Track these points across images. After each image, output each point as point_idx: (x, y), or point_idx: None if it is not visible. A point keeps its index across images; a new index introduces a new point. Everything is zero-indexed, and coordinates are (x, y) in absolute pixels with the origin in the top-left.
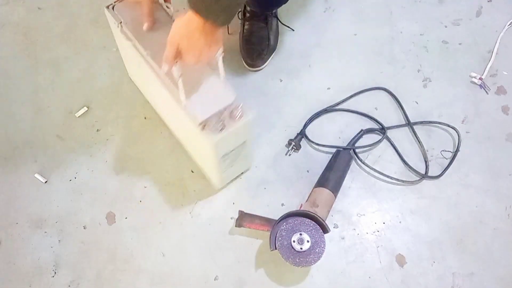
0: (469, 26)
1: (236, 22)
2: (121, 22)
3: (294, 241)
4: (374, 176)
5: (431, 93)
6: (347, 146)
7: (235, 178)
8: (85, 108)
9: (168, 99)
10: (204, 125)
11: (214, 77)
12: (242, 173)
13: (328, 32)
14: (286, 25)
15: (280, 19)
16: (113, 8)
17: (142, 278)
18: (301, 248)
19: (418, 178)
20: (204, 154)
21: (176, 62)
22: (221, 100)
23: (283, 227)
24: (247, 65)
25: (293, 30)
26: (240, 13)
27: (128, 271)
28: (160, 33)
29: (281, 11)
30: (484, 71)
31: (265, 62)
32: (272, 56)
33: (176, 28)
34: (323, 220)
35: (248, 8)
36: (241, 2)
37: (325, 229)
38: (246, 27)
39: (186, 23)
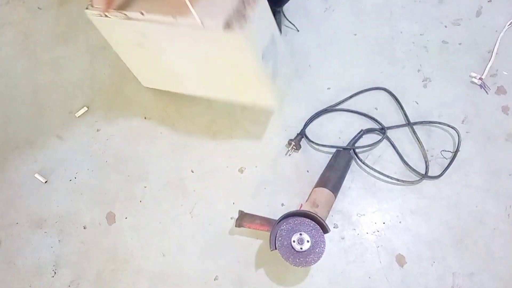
0: (469, 26)
1: None
2: (105, 11)
3: (294, 241)
4: (374, 176)
5: (431, 93)
6: (347, 146)
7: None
8: (85, 108)
9: (179, 35)
10: (228, 24)
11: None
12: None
13: (328, 32)
14: (291, 23)
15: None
16: (92, 5)
17: (142, 278)
18: (301, 248)
19: (418, 178)
20: (244, 68)
21: None
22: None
23: (283, 227)
24: None
25: (298, 30)
26: None
27: (128, 271)
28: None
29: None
30: (484, 71)
31: None
32: None
33: None
34: (323, 220)
35: None
36: None
37: (325, 229)
38: None
39: None
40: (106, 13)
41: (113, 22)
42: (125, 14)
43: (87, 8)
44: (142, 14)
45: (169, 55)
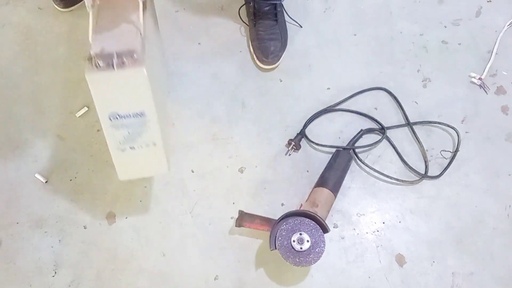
0: (468, 26)
1: (235, 27)
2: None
3: (294, 241)
4: (374, 176)
5: (431, 93)
6: (347, 146)
7: (145, 179)
8: (86, 108)
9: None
10: (91, 57)
11: (134, 23)
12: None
13: (328, 32)
14: (294, 20)
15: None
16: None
17: (142, 278)
18: (301, 248)
19: (418, 178)
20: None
21: None
22: (124, 44)
23: (283, 227)
24: (262, 63)
25: (301, 26)
26: (249, 14)
27: (128, 271)
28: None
29: None
30: (484, 71)
31: (280, 58)
32: (284, 52)
33: None
34: (323, 220)
35: (256, 7)
36: None
37: (325, 229)
38: (257, 26)
39: None
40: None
41: None
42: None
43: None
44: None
45: None
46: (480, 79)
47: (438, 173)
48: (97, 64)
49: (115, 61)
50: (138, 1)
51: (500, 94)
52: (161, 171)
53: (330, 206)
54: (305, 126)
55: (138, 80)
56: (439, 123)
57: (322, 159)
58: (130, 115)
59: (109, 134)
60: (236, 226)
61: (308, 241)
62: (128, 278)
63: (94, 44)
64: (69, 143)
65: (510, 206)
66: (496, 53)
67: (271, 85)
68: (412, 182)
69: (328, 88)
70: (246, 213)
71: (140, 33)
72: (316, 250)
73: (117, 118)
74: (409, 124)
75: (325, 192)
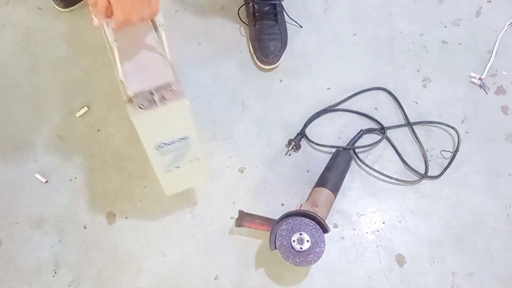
0: (468, 26)
1: (235, 27)
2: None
3: (294, 241)
4: (374, 176)
5: (431, 93)
6: (347, 146)
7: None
8: (85, 108)
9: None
10: (131, 99)
11: (158, 53)
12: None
13: (328, 32)
14: (294, 20)
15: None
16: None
17: (142, 278)
18: (301, 248)
19: (418, 178)
20: (141, 141)
21: (109, 17)
22: (158, 78)
23: (283, 227)
24: (262, 63)
25: (301, 26)
26: (249, 15)
27: (128, 271)
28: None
29: None
30: (484, 71)
31: (280, 59)
32: (284, 52)
33: None
34: (323, 220)
35: (256, 8)
36: None
37: (325, 229)
38: (257, 26)
39: None
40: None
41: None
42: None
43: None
44: (107, 26)
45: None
46: (480, 79)
47: (438, 173)
48: (140, 105)
49: (156, 97)
50: (160, 30)
51: (500, 94)
52: (204, 180)
53: (330, 206)
54: (305, 126)
55: (182, 111)
56: (439, 123)
57: (322, 159)
58: (174, 141)
59: (156, 161)
60: (236, 226)
61: (308, 241)
62: (128, 278)
63: (128, 83)
64: (69, 143)
65: (510, 206)
66: (496, 53)
67: (271, 85)
68: (412, 182)
69: (328, 88)
70: (246, 213)
71: (168, 61)
72: (316, 250)
73: (162, 146)
74: (409, 124)
75: (325, 192)
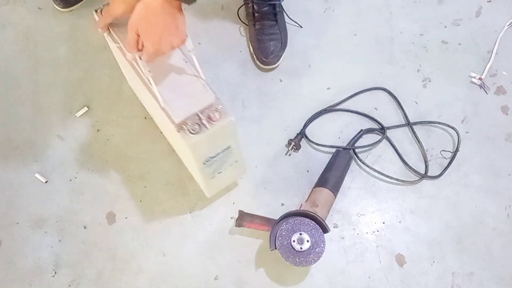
0: (468, 26)
1: (235, 27)
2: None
3: (294, 241)
4: (374, 176)
5: (431, 93)
6: (347, 146)
7: (227, 187)
8: (85, 108)
9: (149, 98)
10: (181, 126)
11: (193, 76)
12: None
13: (328, 32)
14: (293, 21)
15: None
16: (101, 12)
17: (142, 278)
18: (301, 248)
19: (418, 178)
20: (187, 157)
21: (141, 51)
22: (200, 100)
23: (283, 227)
24: (262, 64)
25: (301, 26)
26: (248, 15)
27: (128, 271)
28: None
29: None
30: (484, 71)
31: (280, 59)
32: (284, 53)
33: (136, 10)
34: (323, 220)
35: (256, 8)
36: None
37: (325, 229)
38: (257, 27)
39: (146, 4)
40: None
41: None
42: (119, 44)
43: (96, 10)
44: (140, 59)
45: (142, 97)
46: (480, 79)
47: (438, 173)
48: (191, 130)
49: (204, 120)
50: (190, 54)
51: (500, 94)
52: (241, 176)
53: (330, 206)
54: (305, 126)
55: (229, 127)
56: (439, 123)
57: (322, 159)
58: (219, 153)
59: (203, 173)
60: (236, 226)
61: (308, 241)
62: (128, 278)
63: (173, 111)
64: (69, 143)
65: (510, 206)
66: (496, 53)
67: (271, 85)
68: (412, 182)
69: (328, 88)
70: (246, 213)
71: (204, 80)
72: (316, 250)
73: (209, 160)
74: (409, 124)
75: (325, 192)
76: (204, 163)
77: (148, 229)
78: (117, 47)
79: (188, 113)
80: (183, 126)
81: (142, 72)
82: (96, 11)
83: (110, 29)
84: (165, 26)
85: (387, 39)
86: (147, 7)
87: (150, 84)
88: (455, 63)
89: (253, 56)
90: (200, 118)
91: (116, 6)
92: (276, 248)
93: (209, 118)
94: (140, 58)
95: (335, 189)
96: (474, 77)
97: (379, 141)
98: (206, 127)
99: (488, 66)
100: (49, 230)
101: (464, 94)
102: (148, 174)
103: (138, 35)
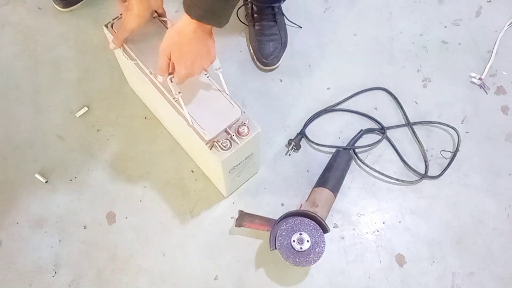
0: (468, 26)
1: (235, 27)
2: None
3: (294, 241)
4: (374, 176)
5: (431, 93)
6: (347, 146)
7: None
8: (85, 108)
9: (174, 116)
10: (212, 143)
11: (217, 92)
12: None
13: (328, 32)
14: (293, 22)
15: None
16: (112, 26)
17: (142, 278)
18: (301, 248)
19: (418, 178)
20: (211, 168)
21: (171, 74)
22: (227, 116)
23: (283, 227)
24: (262, 65)
25: (301, 27)
26: (248, 15)
27: (128, 271)
28: None
29: None
30: (484, 71)
31: (279, 59)
32: (284, 53)
33: (168, 36)
34: (323, 220)
35: (255, 9)
36: (234, 4)
37: (325, 229)
38: (256, 27)
39: (178, 31)
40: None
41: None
42: (136, 60)
43: (106, 26)
44: (151, 72)
45: (158, 108)
46: (480, 79)
47: (438, 173)
48: (222, 147)
49: (233, 135)
50: (217, 72)
51: (500, 94)
52: (254, 174)
53: (330, 206)
54: (305, 126)
55: (256, 138)
56: (439, 123)
57: (322, 159)
58: (243, 161)
59: (226, 179)
60: (236, 226)
61: (308, 241)
62: (128, 278)
63: (203, 129)
64: (69, 143)
65: (510, 206)
66: (496, 53)
67: (271, 85)
68: (412, 182)
69: (328, 88)
70: (246, 213)
71: (228, 95)
72: (316, 250)
73: (234, 168)
74: (409, 124)
75: (325, 192)
76: (230, 172)
77: (148, 229)
78: (134, 63)
79: (218, 130)
80: (214, 143)
81: (171, 93)
82: (106, 26)
83: (125, 45)
84: (197, 51)
85: (387, 39)
86: (179, 34)
87: (180, 104)
88: (455, 63)
89: (253, 57)
90: (229, 134)
91: (131, 20)
92: (276, 248)
93: (238, 133)
94: (171, 81)
95: (335, 189)
96: (474, 77)
97: (379, 141)
98: (236, 142)
99: (488, 66)
100: (49, 230)
101: (464, 94)
102: (148, 174)
103: (170, 59)
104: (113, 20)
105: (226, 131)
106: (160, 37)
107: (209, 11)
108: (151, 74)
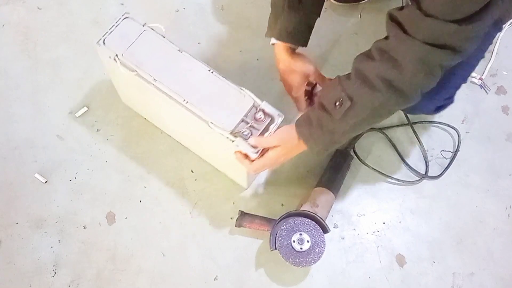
0: None
1: (235, 27)
2: (117, 55)
3: (294, 241)
4: (374, 176)
5: None
6: (347, 146)
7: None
8: (85, 108)
9: (186, 118)
10: (235, 135)
11: (225, 84)
12: None
13: (328, 32)
14: None
15: None
16: (103, 42)
17: (142, 278)
18: (301, 248)
19: (418, 178)
20: (233, 162)
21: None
22: (240, 105)
23: (283, 227)
24: None
25: None
26: None
27: (128, 271)
28: (165, 59)
29: None
30: (484, 71)
31: None
32: None
33: (282, 138)
34: (323, 220)
35: None
36: (341, 143)
37: (325, 229)
38: None
39: (290, 143)
40: (116, 58)
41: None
42: (136, 71)
43: (99, 44)
44: (155, 80)
45: (164, 110)
46: (480, 79)
47: (439, 173)
48: (244, 137)
49: (252, 123)
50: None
51: (501, 94)
52: None
53: (330, 206)
54: None
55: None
56: (440, 123)
57: (322, 159)
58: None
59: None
60: (236, 226)
61: (308, 241)
62: (128, 278)
63: (221, 124)
64: (69, 143)
65: (510, 206)
66: (496, 53)
67: (271, 85)
68: (412, 182)
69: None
70: (246, 213)
71: (234, 85)
72: (316, 250)
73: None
74: (409, 123)
75: (325, 192)
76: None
77: (148, 229)
78: (135, 74)
79: (235, 121)
80: (235, 135)
81: (179, 97)
82: (98, 43)
83: (122, 59)
84: (290, 157)
85: None
86: (293, 143)
87: (192, 106)
88: None
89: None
90: (247, 122)
91: (298, 79)
92: (276, 249)
93: (255, 120)
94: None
95: (335, 189)
96: (475, 77)
97: (379, 141)
98: (256, 128)
99: (489, 66)
100: (48, 230)
101: (465, 94)
102: (148, 174)
103: (265, 150)
104: (103, 36)
105: (243, 120)
106: (153, 46)
107: (322, 148)
108: (155, 81)
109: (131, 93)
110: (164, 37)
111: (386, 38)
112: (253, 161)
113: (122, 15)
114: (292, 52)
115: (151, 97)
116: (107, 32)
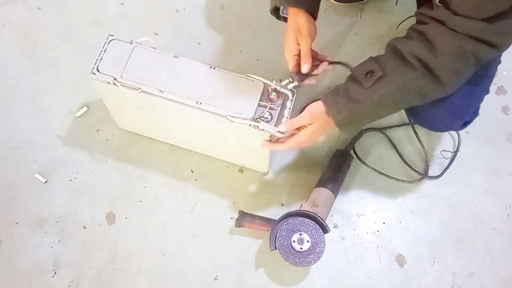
0: None
1: (235, 27)
2: (115, 79)
3: (294, 241)
4: (374, 176)
5: None
6: (347, 146)
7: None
8: (85, 108)
9: (203, 119)
10: (257, 120)
11: (231, 76)
12: None
13: (328, 32)
14: None
15: None
16: (97, 70)
17: (142, 278)
18: (301, 248)
19: (418, 178)
20: (253, 147)
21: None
22: (252, 91)
23: (283, 227)
24: None
25: None
26: None
27: (128, 271)
28: (165, 68)
29: None
30: None
31: None
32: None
33: (312, 114)
34: (323, 220)
35: None
36: (364, 118)
37: (325, 229)
38: None
39: (321, 118)
40: (116, 82)
41: (118, 89)
42: (139, 89)
43: (93, 73)
44: (161, 91)
45: (172, 120)
46: None
47: (439, 173)
48: (265, 120)
49: (269, 105)
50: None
51: (501, 94)
52: None
53: (330, 206)
54: None
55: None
56: None
57: (322, 159)
58: None
59: (271, 153)
60: (236, 226)
61: (308, 241)
62: (128, 278)
63: (239, 114)
64: (69, 143)
65: (510, 206)
66: None
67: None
68: (412, 182)
69: (328, 88)
70: (246, 213)
71: (239, 74)
72: (316, 250)
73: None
74: (410, 123)
75: (325, 192)
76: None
77: (148, 229)
78: (139, 92)
79: (253, 107)
80: (256, 120)
81: (191, 101)
82: (92, 72)
83: (120, 81)
84: (322, 136)
85: (387, 38)
86: (328, 122)
87: (207, 105)
88: None
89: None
90: (265, 106)
91: (306, 42)
92: (276, 249)
93: (271, 101)
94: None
95: (335, 189)
96: None
97: (380, 141)
98: (273, 109)
99: None
100: (48, 230)
101: None
102: (148, 174)
103: (302, 126)
104: (94, 65)
105: (259, 105)
106: (148, 59)
107: (346, 118)
108: (162, 93)
109: (133, 114)
110: (155, 48)
111: (423, 23)
112: (280, 140)
113: (107, 39)
114: (299, 16)
115: (159, 111)
116: (97, 59)
